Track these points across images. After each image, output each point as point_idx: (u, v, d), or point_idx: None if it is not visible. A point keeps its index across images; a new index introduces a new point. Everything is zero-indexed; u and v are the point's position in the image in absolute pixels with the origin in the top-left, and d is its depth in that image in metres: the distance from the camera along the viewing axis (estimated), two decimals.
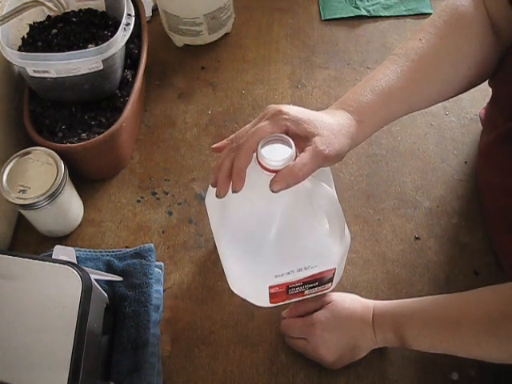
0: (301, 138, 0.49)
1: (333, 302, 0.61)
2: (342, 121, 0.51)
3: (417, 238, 0.70)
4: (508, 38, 0.58)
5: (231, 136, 0.53)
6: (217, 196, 0.51)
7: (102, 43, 0.67)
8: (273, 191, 0.47)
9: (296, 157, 0.48)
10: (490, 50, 0.58)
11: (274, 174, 0.47)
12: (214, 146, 0.54)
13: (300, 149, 0.49)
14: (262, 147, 0.48)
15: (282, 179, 0.46)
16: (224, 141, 0.54)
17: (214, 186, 0.51)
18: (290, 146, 0.48)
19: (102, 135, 0.70)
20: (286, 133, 0.49)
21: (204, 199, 0.62)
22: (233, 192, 0.50)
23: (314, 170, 0.48)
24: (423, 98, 0.58)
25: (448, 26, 0.57)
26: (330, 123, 0.50)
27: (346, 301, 0.61)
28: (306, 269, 0.56)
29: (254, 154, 0.49)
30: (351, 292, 0.66)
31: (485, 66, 0.59)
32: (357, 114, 0.53)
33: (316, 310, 0.61)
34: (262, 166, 0.48)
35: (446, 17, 0.58)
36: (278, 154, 0.47)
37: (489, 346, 0.50)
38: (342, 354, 0.59)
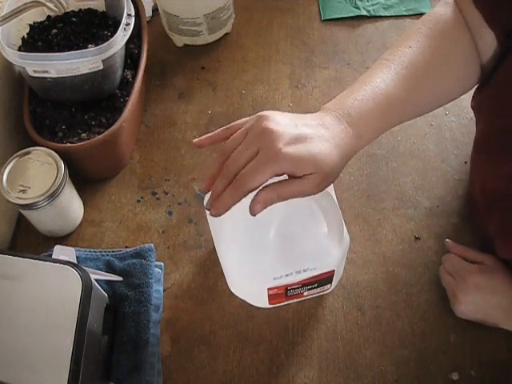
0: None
1: (496, 268, 0.60)
2: (340, 140, 0.50)
3: (417, 238, 0.70)
4: (482, 51, 0.58)
5: (219, 134, 0.52)
6: (212, 215, 0.50)
7: (102, 43, 0.67)
8: (252, 214, 0.47)
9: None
10: (474, 60, 0.59)
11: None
12: (196, 140, 0.53)
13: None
14: None
15: (263, 200, 0.46)
16: (207, 136, 0.53)
17: (206, 192, 0.51)
18: None
19: (101, 135, 0.70)
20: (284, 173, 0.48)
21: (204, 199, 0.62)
22: (213, 216, 0.49)
23: (297, 197, 0.48)
24: (421, 105, 0.58)
25: (435, 33, 0.58)
26: (329, 153, 0.48)
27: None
28: (304, 271, 0.57)
29: None
30: (351, 291, 0.67)
31: (470, 74, 0.59)
32: (356, 127, 0.51)
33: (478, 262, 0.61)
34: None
35: (432, 25, 0.58)
36: None
37: None
38: (476, 312, 0.60)
